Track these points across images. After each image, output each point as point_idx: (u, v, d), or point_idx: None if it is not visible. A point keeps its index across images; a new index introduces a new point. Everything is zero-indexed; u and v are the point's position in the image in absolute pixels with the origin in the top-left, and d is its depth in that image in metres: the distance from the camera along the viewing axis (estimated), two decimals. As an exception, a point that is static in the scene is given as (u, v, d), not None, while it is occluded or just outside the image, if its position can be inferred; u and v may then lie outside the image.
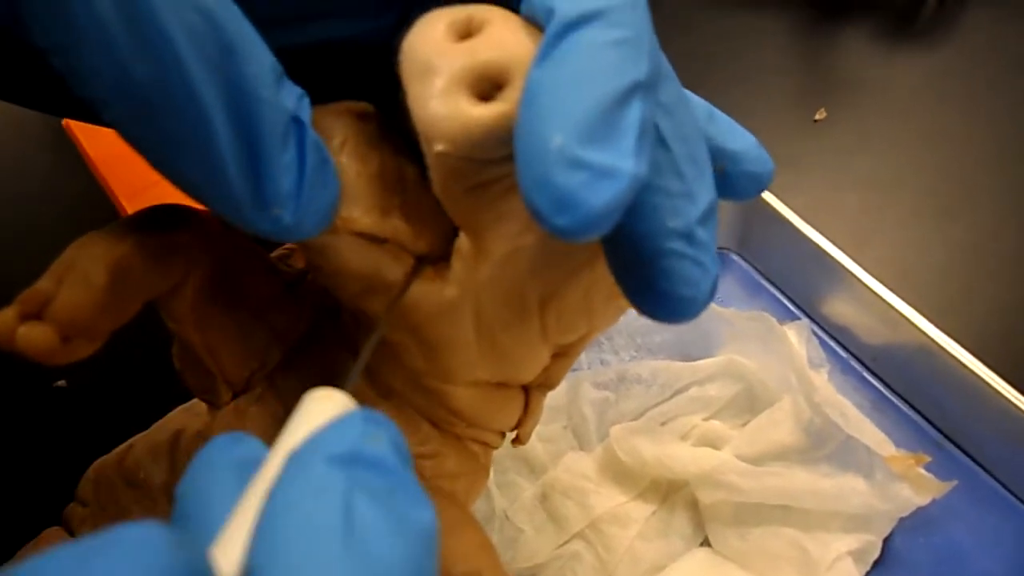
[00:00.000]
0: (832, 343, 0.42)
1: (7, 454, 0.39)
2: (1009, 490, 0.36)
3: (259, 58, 0.14)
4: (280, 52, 0.15)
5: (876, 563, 0.34)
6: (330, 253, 0.18)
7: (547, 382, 0.24)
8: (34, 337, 0.16)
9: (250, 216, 0.14)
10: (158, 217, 0.18)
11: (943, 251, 0.45)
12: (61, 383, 0.41)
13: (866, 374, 0.40)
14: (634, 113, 0.12)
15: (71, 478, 0.27)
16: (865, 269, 0.38)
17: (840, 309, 0.41)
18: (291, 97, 0.14)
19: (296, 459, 0.11)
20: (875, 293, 0.38)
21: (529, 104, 0.12)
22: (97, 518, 0.26)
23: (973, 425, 0.37)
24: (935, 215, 0.47)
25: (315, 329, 0.23)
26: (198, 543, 0.11)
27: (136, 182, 0.45)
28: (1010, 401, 0.34)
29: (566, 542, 0.34)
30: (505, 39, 0.13)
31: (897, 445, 0.36)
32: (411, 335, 0.19)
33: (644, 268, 0.15)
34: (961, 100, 0.53)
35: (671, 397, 0.37)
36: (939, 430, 0.38)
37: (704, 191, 0.15)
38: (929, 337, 0.36)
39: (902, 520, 0.34)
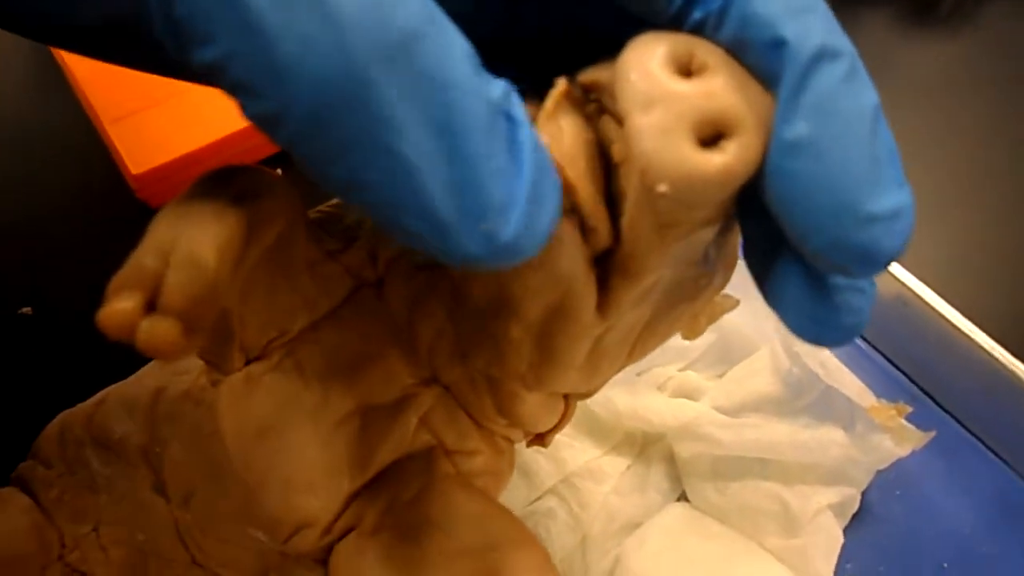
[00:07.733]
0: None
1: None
2: (984, 443, 0.35)
3: (447, 41, 0.11)
4: None
5: (853, 516, 0.33)
6: None
7: (588, 392, 0.23)
8: (159, 333, 0.13)
9: (455, 235, 0.12)
10: (242, 182, 0.16)
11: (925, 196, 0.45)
12: (26, 310, 0.36)
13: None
14: (886, 141, 0.13)
15: (30, 430, 0.24)
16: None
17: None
18: (495, 88, 0.12)
19: None
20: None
21: (796, 166, 0.12)
22: (66, 481, 0.23)
23: (949, 378, 0.36)
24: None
25: (349, 300, 0.21)
26: None
27: (120, 107, 0.41)
28: (987, 351, 0.34)
29: (538, 498, 0.32)
30: (736, 88, 0.13)
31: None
32: (536, 340, 0.18)
33: (811, 303, 0.14)
34: (977, 88, 0.53)
35: (645, 347, 0.36)
36: (915, 383, 0.37)
37: None
38: (907, 286, 0.35)
39: (878, 474, 0.33)
